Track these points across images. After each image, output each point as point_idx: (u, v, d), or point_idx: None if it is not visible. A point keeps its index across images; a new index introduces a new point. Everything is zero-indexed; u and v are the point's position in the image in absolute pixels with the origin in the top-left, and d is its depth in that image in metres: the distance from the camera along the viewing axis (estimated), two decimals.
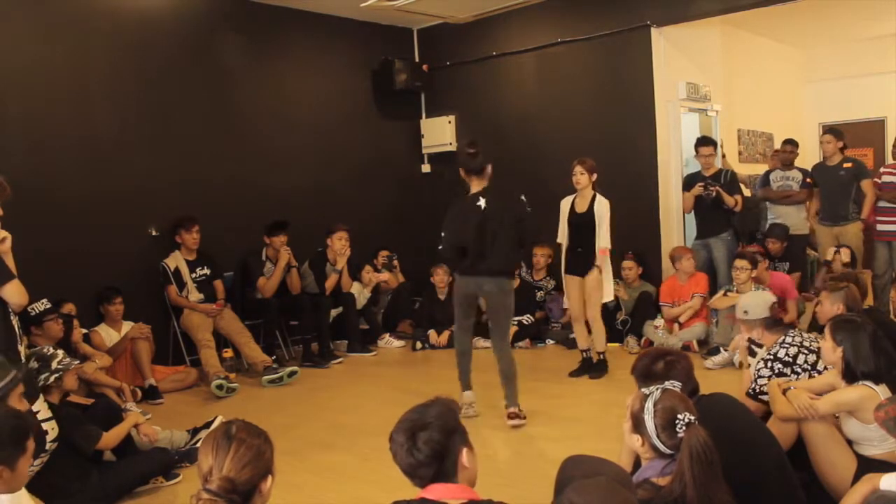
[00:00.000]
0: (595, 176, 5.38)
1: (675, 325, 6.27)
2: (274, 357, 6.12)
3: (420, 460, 1.91)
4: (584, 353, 5.65)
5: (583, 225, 5.38)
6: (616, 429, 2.71)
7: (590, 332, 5.59)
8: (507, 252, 4.46)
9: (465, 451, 1.95)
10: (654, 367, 2.59)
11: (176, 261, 6.08)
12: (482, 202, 4.46)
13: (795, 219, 6.91)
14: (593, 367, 5.56)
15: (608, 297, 5.49)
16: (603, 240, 5.33)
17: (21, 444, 2.27)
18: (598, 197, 5.37)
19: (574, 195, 5.47)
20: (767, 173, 7.25)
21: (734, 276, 5.81)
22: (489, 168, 4.52)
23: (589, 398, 5.13)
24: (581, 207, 5.42)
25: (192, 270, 6.11)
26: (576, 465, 2.31)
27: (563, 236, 5.53)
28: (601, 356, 5.56)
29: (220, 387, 5.47)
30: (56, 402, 3.60)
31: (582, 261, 5.42)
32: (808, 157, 9.24)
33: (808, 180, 6.97)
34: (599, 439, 4.03)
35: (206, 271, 6.18)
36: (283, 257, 6.38)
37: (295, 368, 5.92)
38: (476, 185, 4.53)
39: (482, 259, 4.47)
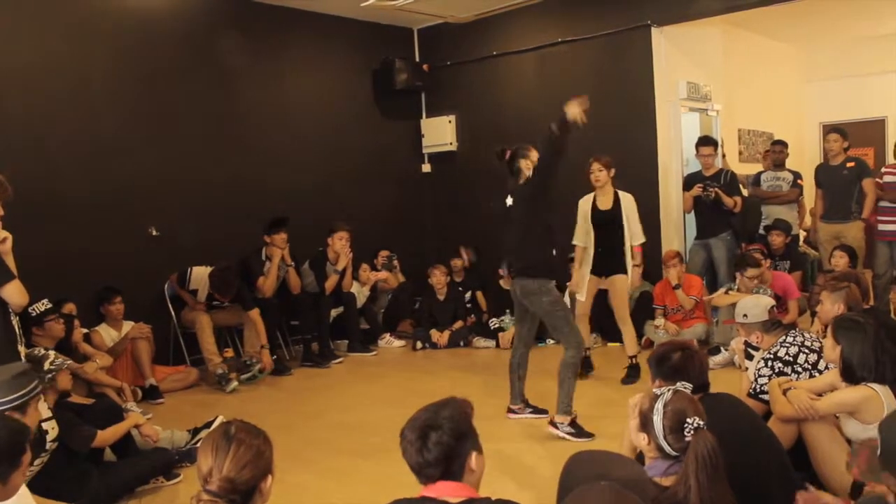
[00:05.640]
0: (613, 171, 5.27)
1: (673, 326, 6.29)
2: (275, 357, 6.13)
3: (428, 460, 1.90)
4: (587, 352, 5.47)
5: (606, 223, 5.24)
6: (618, 428, 2.72)
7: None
8: None
9: (474, 455, 1.94)
10: (671, 358, 2.61)
11: (201, 284, 6.00)
12: None
13: (786, 218, 6.92)
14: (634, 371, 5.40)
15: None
16: (636, 237, 5.27)
17: (17, 459, 2.21)
18: (622, 193, 5.28)
19: (592, 194, 5.34)
20: (759, 174, 7.27)
21: (743, 284, 5.74)
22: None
23: (590, 397, 5.12)
24: (604, 205, 5.28)
25: (211, 298, 6.06)
26: (581, 465, 2.28)
27: (583, 237, 5.32)
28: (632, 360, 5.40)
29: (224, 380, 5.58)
30: (51, 403, 3.57)
31: (608, 260, 5.28)
32: (809, 156, 9.25)
33: (799, 181, 7.00)
34: (601, 439, 4.03)
35: (226, 304, 6.13)
36: (276, 254, 6.35)
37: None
38: None
39: None
